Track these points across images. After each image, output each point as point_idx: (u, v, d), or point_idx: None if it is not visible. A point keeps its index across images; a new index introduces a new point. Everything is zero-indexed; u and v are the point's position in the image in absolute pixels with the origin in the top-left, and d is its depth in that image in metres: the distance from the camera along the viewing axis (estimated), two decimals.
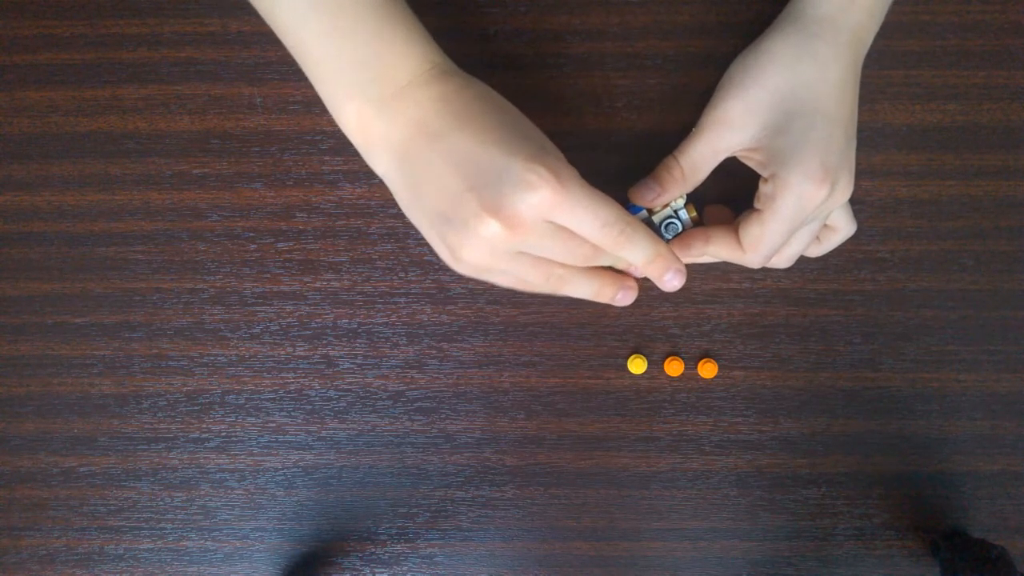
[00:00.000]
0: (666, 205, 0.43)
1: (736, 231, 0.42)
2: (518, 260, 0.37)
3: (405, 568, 0.49)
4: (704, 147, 0.41)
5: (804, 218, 0.40)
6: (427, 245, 0.47)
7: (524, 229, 0.35)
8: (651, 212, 0.43)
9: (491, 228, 0.34)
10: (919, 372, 0.47)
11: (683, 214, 0.43)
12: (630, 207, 0.43)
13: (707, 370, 0.47)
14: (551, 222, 0.35)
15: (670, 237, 0.43)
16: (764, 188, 0.40)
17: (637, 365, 0.47)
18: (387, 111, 0.36)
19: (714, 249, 0.42)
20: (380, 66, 0.36)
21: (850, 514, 0.48)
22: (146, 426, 0.49)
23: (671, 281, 0.39)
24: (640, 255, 0.37)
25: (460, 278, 0.48)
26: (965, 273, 0.47)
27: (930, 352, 0.47)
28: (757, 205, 0.41)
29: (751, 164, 0.42)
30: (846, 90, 0.40)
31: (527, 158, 0.34)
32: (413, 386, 0.48)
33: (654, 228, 0.43)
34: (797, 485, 0.48)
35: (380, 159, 0.38)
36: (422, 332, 0.48)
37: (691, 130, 0.43)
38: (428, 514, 0.49)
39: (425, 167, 0.36)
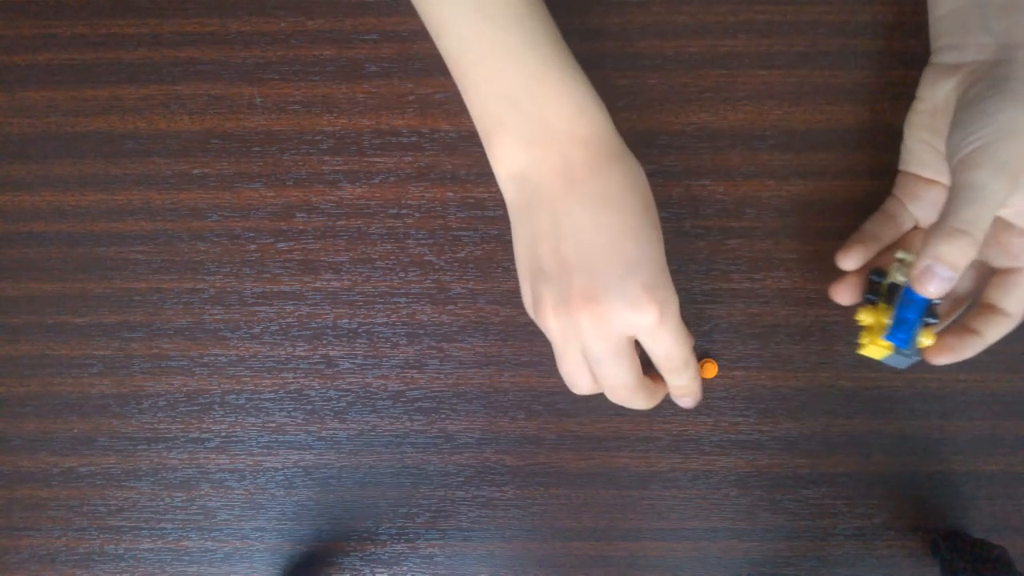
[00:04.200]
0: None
1: (991, 305, 0.41)
2: (575, 351, 0.39)
3: (405, 568, 0.49)
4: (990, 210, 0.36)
5: None
6: (427, 245, 0.48)
7: (604, 333, 0.37)
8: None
9: (579, 314, 0.37)
10: (919, 372, 0.47)
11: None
12: (916, 298, 0.38)
13: (707, 370, 0.47)
14: (629, 336, 0.38)
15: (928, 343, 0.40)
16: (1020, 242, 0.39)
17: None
18: (534, 150, 0.37)
19: (991, 337, 0.41)
20: (534, 106, 0.37)
21: (850, 514, 0.48)
22: (146, 426, 0.49)
23: (687, 404, 0.44)
24: (679, 385, 0.42)
25: (460, 278, 0.48)
26: None
27: None
28: (1011, 263, 0.40)
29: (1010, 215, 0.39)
30: None
31: (645, 287, 0.36)
32: (413, 386, 0.48)
33: (913, 315, 0.38)
34: (797, 485, 0.48)
35: (508, 187, 0.39)
36: (422, 332, 0.48)
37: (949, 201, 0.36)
38: (428, 514, 0.49)
39: (549, 223, 0.37)
